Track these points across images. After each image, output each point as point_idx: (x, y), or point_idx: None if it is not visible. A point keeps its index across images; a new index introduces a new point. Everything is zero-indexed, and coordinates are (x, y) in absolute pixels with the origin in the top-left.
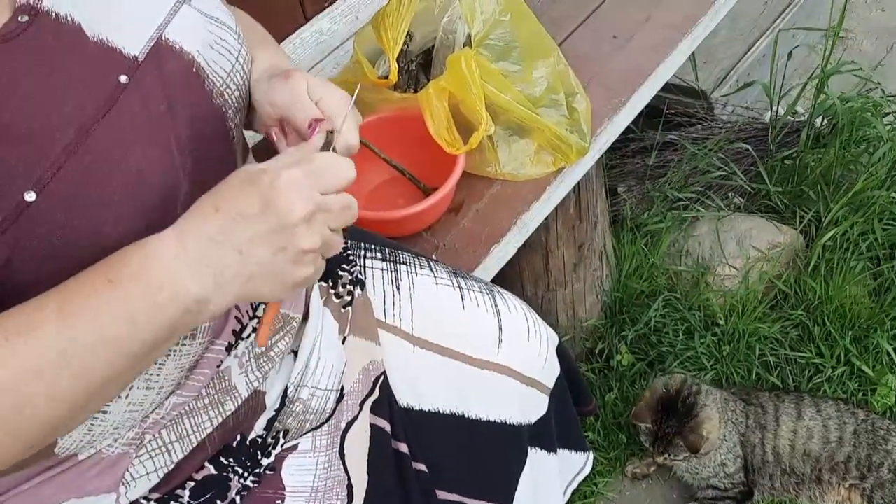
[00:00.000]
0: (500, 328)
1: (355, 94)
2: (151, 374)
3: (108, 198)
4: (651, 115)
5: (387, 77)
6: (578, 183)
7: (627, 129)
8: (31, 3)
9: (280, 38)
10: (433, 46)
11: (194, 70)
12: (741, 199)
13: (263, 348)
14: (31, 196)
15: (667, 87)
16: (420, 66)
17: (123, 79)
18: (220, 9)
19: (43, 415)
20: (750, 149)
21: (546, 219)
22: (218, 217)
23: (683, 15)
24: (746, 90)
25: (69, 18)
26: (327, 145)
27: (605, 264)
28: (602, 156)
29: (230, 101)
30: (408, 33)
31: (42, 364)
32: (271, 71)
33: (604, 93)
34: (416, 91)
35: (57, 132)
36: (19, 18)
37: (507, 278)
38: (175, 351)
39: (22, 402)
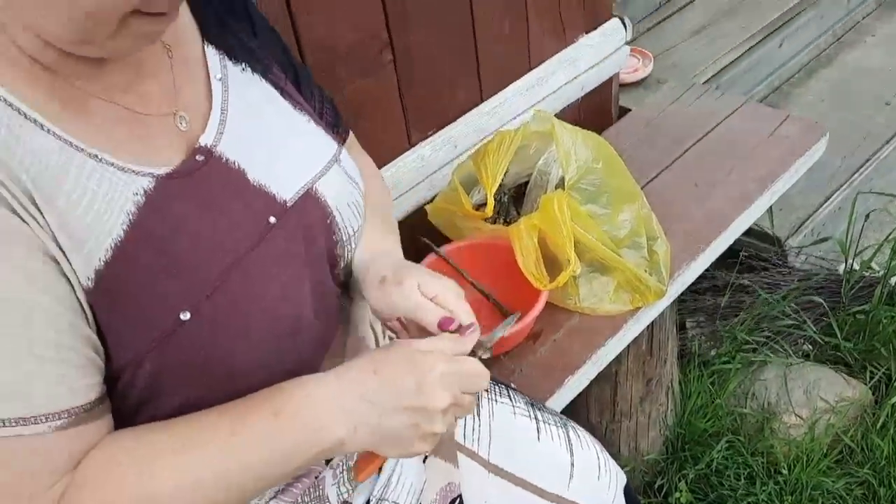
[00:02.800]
0: (572, 463)
1: (513, 320)
2: None
3: (248, 324)
4: (724, 255)
5: (481, 206)
6: (652, 321)
7: None
8: (208, 146)
9: (387, 160)
10: (526, 182)
11: (328, 221)
12: (810, 347)
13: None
14: (185, 315)
15: None
16: (511, 198)
17: (272, 219)
18: (359, 174)
19: None
20: (822, 302)
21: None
22: (375, 380)
23: (764, 170)
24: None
25: (235, 164)
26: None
27: (671, 400)
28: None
29: (346, 255)
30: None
31: (205, 477)
32: (375, 266)
33: (684, 238)
34: (506, 221)
35: (215, 263)
36: (197, 157)
37: (573, 404)
38: None
39: None
